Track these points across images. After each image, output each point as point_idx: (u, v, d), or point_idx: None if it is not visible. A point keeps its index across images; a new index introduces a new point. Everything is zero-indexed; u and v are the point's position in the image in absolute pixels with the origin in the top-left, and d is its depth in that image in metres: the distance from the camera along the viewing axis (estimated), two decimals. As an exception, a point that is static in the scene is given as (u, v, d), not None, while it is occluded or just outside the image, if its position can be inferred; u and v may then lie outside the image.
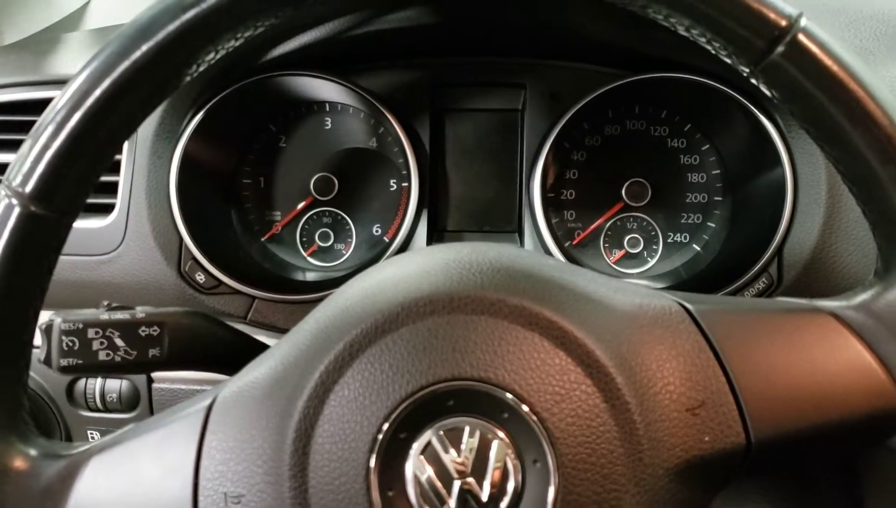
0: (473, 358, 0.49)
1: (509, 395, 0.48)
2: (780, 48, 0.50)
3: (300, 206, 1.02)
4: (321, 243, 1.03)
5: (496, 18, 0.88)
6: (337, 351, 0.50)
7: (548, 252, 0.95)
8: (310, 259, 1.03)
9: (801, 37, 0.50)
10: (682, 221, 1.02)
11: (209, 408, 0.53)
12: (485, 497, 0.48)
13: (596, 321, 0.51)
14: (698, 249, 1.01)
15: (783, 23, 0.50)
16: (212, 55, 0.55)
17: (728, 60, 0.53)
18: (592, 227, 1.02)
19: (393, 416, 0.48)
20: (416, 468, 0.48)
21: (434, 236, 1.01)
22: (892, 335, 0.51)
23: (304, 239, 1.03)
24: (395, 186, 1.03)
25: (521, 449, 0.48)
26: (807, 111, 0.52)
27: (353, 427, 0.48)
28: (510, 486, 0.48)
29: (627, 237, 1.02)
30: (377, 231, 1.03)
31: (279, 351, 0.53)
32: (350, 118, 1.02)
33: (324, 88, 0.96)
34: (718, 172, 1.00)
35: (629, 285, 0.56)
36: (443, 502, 0.47)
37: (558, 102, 0.97)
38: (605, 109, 1.01)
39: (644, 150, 1.02)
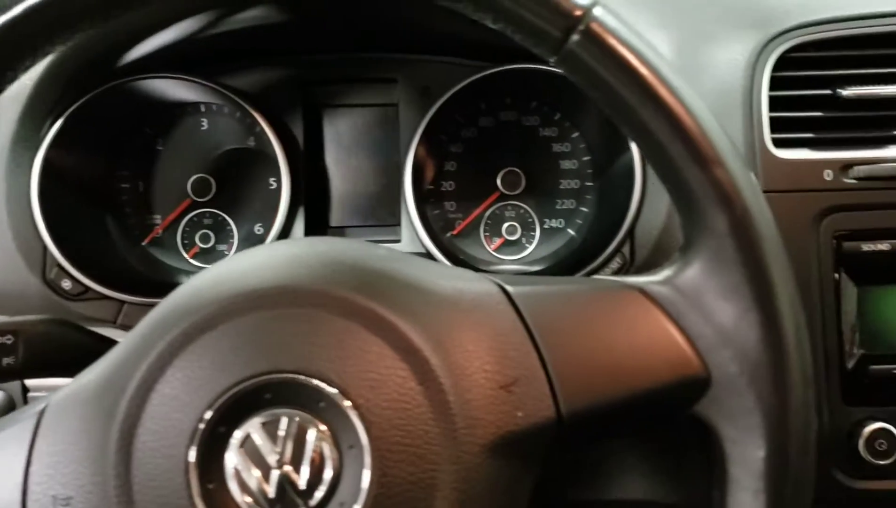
0: (291, 351, 0.50)
1: (324, 385, 0.50)
2: (575, 37, 0.52)
3: (178, 209, 1.02)
4: (202, 245, 1.03)
5: (339, 15, 0.89)
6: (158, 350, 0.51)
7: (423, 245, 0.97)
8: (192, 261, 1.03)
9: (594, 25, 0.52)
10: (557, 207, 1.04)
11: (41, 413, 0.53)
12: (303, 484, 0.49)
13: (415, 307, 0.53)
14: (573, 233, 1.04)
15: (577, 12, 0.52)
16: (29, 61, 0.55)
17: (535, 51, 0.55)
18: (470, 217, 1.04)
19: (211, 410, 0.49)
20: (235, 460, 0.49)
21: (316, 233, 1.02)
22: (691, 307, 0.54)
23: (186, 242, 1.03)
24: (275, 185, 1.03)
25: (338, 436, 0.50)
26: (604, 97, 0.54)
27: (174, 423, 0.49)
28: (327, 472, 0.49)
29: (505, 225, 1.04)
30: (259, 230, 1.03)
31: (112, 354, 0.54)
32: (226, 118, 1.02)
33: (188, 90, 0.96)
34: (588, 158, 1.03)
35: (454, 270, 0.58)
36: (262, 492, 0.49)
37: (429, 96, 0.99)
38: (477, 101, 1.03)
39: (518, 139, 1.04)
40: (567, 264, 0.99)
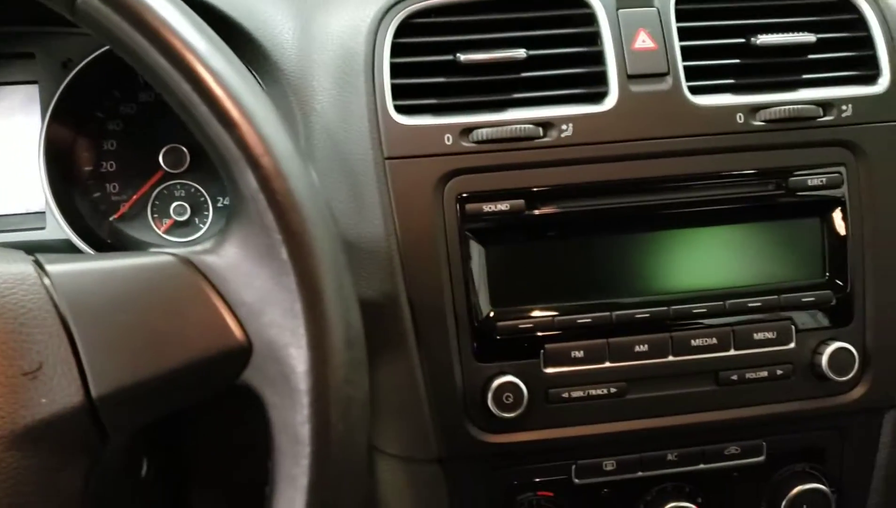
0: None
1: None
2: None
3: None
4: None
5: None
6: None
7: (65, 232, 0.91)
8: None
9: None
10: (230, 183, 1.01)
11: None
12: None
13: None
14: (249, 210, 1.01)
15: None
16: None
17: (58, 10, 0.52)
18: (132, 199, 0.99)
19: None
20: None
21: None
22: (233, 275, 0.53)
23: None
24: None
25: None
26: (131, 59, 0.51)
27: None
28: None
29: (174, 205, 0.99)
30: None
31: None
32: None
33: None
34: (256, 132, 1.00)
35: None
36: None
37: (70, 71, 0.93)
38: (135, 74, 0.98)
39: (183, 114, 0.99)
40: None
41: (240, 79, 0.52)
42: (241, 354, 0.52)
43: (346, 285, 0.53)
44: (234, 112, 0.50)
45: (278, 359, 0.51)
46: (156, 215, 1.00)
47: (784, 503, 0.86)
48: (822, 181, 0.83)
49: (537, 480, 0.83)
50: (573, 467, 0.83)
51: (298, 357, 0.50)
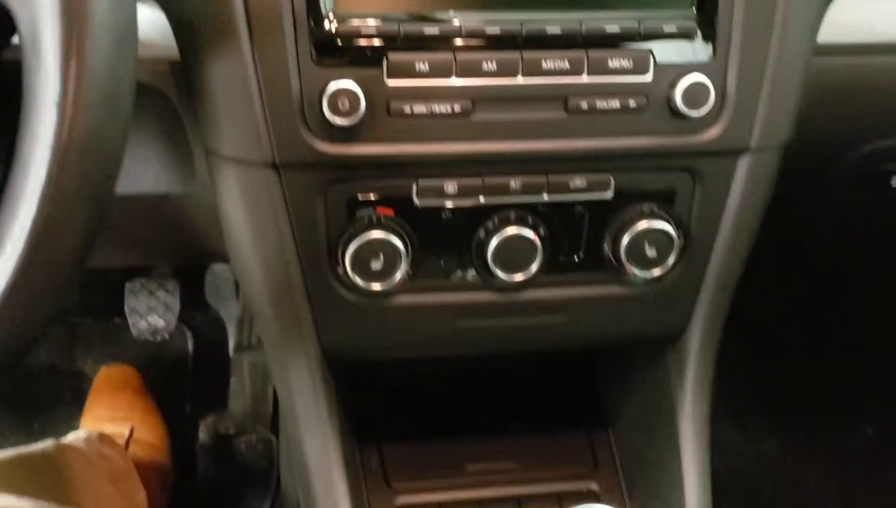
0: None
1: None
2: None
3: None
4: None
5: None
6: None
7: None
8: None
9: None
10: None
11: None
12: None
13: None
14: None
15: None
16: None
17: None
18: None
19: None
20: None
21: None
22: None
23: None
24: None
25: None
26: None
27: None
28: None
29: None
30: None
31: None
32: None
33: None
34: None
35: None
36: None
37: None
38: None
39: None
40: None
41: None
42: None
43: None
44: None
45: None
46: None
47: (626, 238, 0.86)
48: None
49: (378, 197, 0.82)
50: (414, 186, 0.82)
51: None
